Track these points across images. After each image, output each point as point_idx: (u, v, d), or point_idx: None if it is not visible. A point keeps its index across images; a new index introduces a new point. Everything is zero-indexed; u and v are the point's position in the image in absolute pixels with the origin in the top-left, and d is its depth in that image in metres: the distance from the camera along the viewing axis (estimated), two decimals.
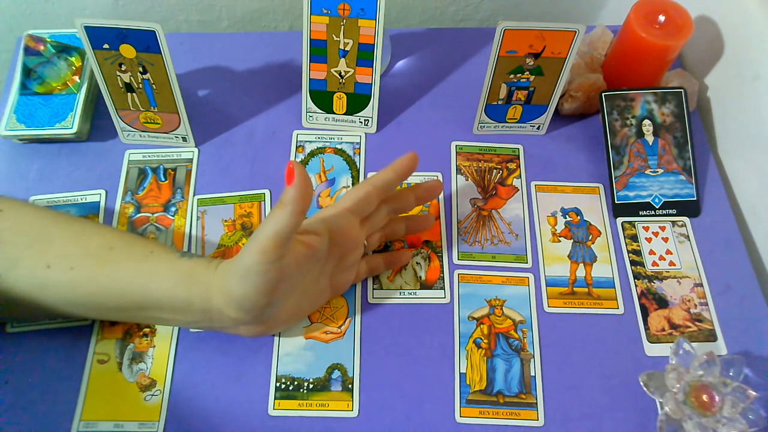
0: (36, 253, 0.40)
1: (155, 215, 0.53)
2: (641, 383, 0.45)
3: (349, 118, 0.57)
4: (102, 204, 0.53)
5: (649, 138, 0.55)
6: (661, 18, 0.54)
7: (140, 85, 0.51)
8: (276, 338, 0.48)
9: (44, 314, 0.43)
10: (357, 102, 0.56)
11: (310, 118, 0.57)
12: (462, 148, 0.58)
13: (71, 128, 0.54)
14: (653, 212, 0.54)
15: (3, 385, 0.46)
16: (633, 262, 0.52)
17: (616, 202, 0.54)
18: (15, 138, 0.54)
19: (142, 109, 0.53)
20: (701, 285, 0.51)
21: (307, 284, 0.44)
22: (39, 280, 0.40)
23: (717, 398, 0.42)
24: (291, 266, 0.39)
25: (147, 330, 0.48)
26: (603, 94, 0.55)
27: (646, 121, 0.55)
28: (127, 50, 0.48)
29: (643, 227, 0.54)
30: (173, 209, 0.53)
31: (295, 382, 0.46)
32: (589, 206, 0.55)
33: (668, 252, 0.53)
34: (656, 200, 0.54)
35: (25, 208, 0.43)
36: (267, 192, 0.54)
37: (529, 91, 0.54)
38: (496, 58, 0.51)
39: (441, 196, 0.55)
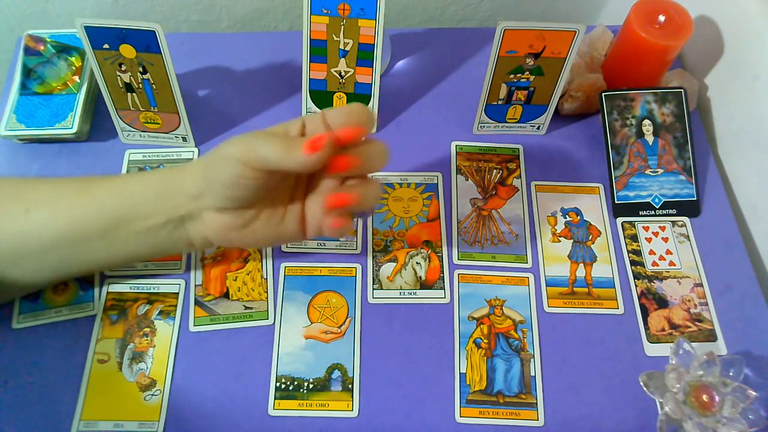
0: (14, 205, 0.41)
1: None
2: (641, 383, 0.45)
3: None
4: None
5: (649, 138, 0.55)
6: (661, 18, 0.54)
7: (140, 85, 0.51)
8: (276, 338, 0.48)
9: (29, 277, 0.44)
10: (357, 102, 0.56)
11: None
12: (462, 148, 0.58)
13: (71, 128, 0.54)
14: (653, 212, 0.54)
15: (3, 385, 0.46)
16: (633, 262, 0.52)
17: (616, 202, 0.54)
18: (15, 138, 0.54)
19: (142, 109, 0.53)
20: (701, 285, 0.51)
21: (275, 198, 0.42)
22: (20, 229, 0.41)
23: (717, 398, 0.42)
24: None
25: (147, 330, 0.48)
26: (603, 94, 0.55)
27: (646, 121, 0.55)
28: (127, 50, 0.48)
29: (643, 227, 0.54)
30: None
31: (295, 382, 0.46)
32: (589, 206, 0.55)
33: (668, 252, 0.53)
34: (656, 200, 0.54)
35: (2, 177, 0.45)
36: None
37: (529, 91, 0.54)
38: (496, 58, 0.51)
39: (441, 196, 0.55)
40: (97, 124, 0.57)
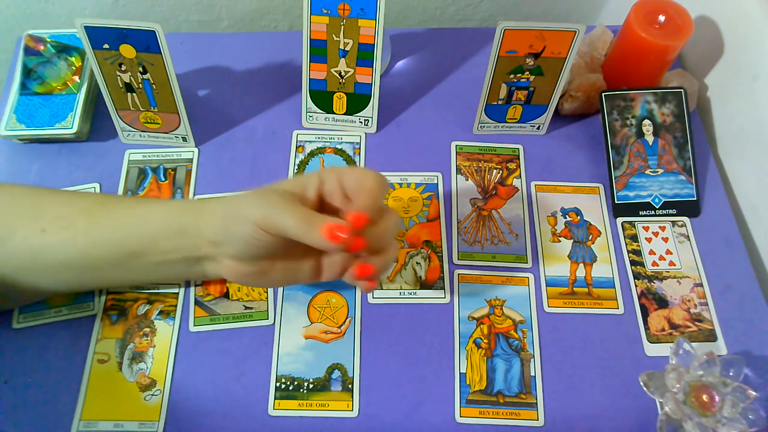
0: (30, 221, 0.41)
1: None
2: (641, 383, 0.45)
3: (349, 118, 0.57)
4: None
5: (649, 138, 0.55)
6: (661, 18, 0.54)
7: (140, 85, 0.51)
8: (276, 338, 0.48)
9: (43, 286, 0.44)
10: (357, 102, 0.56)
11: (310, 118, 0.57)
12: (462, 148, 0.58)
13: (71, 128, 0.54)
14: (653, 212, 0.54)
15: (3, 384, 0.46)
16: (633, 262, 0.52)
17: (616, 202, 0.54)
18: (15, 138, 0.54)
19: (142, 109, 0.53)
20: (701, 285, 0.51)
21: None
22: (35, 247, 0.40)
23: (717, 398, 0.42)
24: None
25: (147, 330, 0.48)
26: (603, 94, 0.55)
27: (646, 121, 0.55)
28: (127, 50, 0.48)
29: (643, 227, 0.54)
30: None
31: (295, 382, 0.46)
32: (589, 206, 0.55)
33: (668, 252, 0.53)
34: (656, 200, 0.54)
35: (16, 185, 0.45)
36: None
37: (529, 91, 0.54)
38: (496, 58, 0.51)
39: (441, 196, 0.55)
40: (97, 124, 0.57)
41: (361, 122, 0.57)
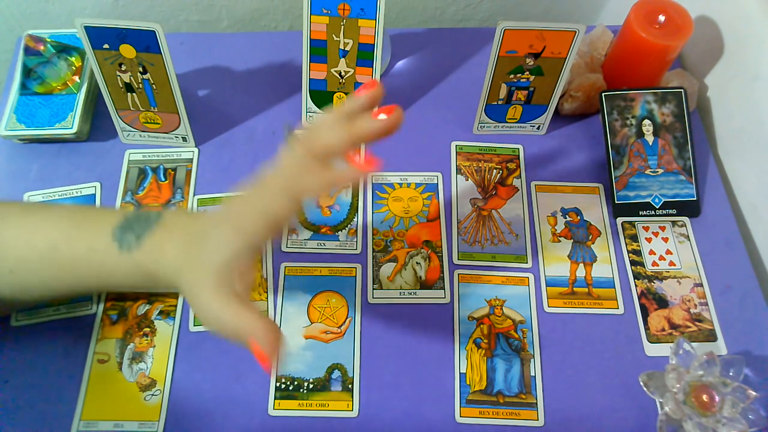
0: None
1: None
2: (641, 383, 0.45)
3: None
4: (97, 198, 0.53)
5: (649, 138, 0.55)
6: (661, 18, 0.54)
7: (140, 85, 0.51)
8: None
9: (25, 298, 0.44)
10: None
11: (310, 118, 0.57)
12: (462, 148, 0.58)
13: (71, 128, 0.54)
14: (653, 212, 0.54)
15: (3, 384, 0.46)
16: (633, 262, 0.52)
17: (616, 202, 0.54)
18: (15, 138, 0.54)
19: (142, 109, 0.53)
20: (701, 285, 0.51)
21: None
22: (7, 283, 0.40)
23: (717, 398, 0.42)
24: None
25: (147, 330, 0.48)
26: (603, 94, 0.55)
27: (646, 121, 0.55)
28: (127, 50, 0.48)
29: (643, 227, 0.54)
30: (173, 209, 0.53)
31: (295, 382, 0.46)
32: (589, 206, 0.55)
33: (668, 252, 0.53)
34: (656, 200, 0.54)
35: None
36: None
37: (529, 91, 0.54)
38: (496, 58, 0.51)
39: (441, 196, 0.55)
40: (97, 124, 0.57)
41: None
